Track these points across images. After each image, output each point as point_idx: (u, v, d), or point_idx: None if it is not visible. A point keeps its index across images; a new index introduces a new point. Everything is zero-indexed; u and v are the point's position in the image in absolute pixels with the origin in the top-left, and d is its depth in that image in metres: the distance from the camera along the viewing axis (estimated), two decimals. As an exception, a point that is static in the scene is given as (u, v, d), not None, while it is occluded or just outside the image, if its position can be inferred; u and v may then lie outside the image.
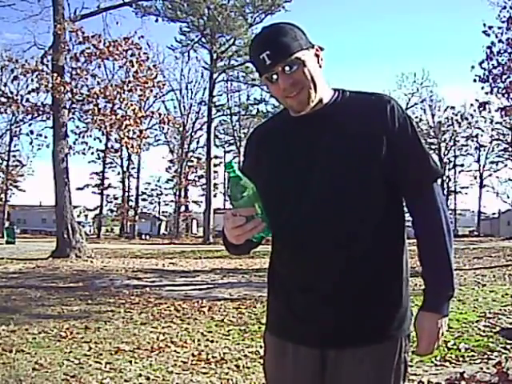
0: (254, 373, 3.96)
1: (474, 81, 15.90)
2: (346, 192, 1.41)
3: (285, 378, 1.50)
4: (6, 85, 21.55)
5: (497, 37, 15.43)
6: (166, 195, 57.76)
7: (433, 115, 51.31)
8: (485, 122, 44.26)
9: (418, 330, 1.44)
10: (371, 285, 1.42)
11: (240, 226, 1.30)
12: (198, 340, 5.10)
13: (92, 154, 19.88)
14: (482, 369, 3.94)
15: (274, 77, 1.39)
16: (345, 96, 1.49)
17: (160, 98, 36.64)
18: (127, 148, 18.77)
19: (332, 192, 1.41)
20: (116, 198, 52.64)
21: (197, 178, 54.12)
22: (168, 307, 7.06)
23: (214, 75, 37.17)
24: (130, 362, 4.23)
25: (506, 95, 15.64)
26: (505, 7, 15.49)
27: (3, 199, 47.06)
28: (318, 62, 1.45)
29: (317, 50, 1.45)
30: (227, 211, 1.34)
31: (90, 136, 17.58)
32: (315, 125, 1.45)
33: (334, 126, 1.44)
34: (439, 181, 1.52)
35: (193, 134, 48.99)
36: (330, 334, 1.42)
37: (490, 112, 17.52)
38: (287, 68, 1.37)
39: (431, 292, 1.44)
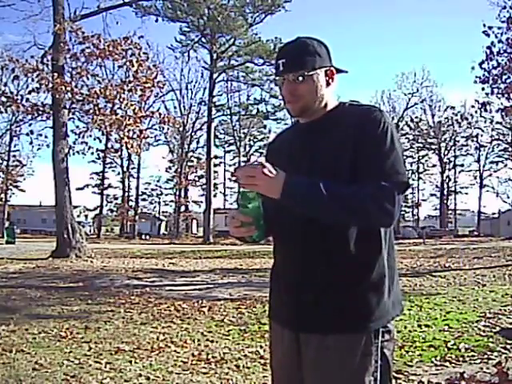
0: (253, 373, 3.96)
1: (475, 82, 15.89)
2: None
3: (277, 354, 1.72)
4: (6, 84, 21.61)
5: (497, 37, 15.42)
6: (166, 195, 57.89)
7: (433, 115, 51.30)
8: (485, 122, 44.30)
9: None
10: (343, 278, 1.52)
11: (236, 227, 1.54)
12: (198, 340, 5.09)
13: (92, 154, 19.90)
14: (482, 369, 3.94)
15: (282, 82, 1.61)
16: (343, 107, 1.65)
17: (160, 97, 36.70)
18: (127, 148, 18.75)
19: None
20: (116, 198, 52.67)
21: (197, 178, 54.14)
22: (168, 307, 7.07)
23: (214, 75, 37.18)
24: (130, 361, 4.23)
25: (506, 95, 15.62)
26: (505, 7, 15.50)
27: (3, 199, 47.03)
28: (328, 82, 1.62)
29: (331, 72, 1.63)
30: (233, 210, 1.58)
31: (90, 136, 17.59)
32: (313, 131, 1.64)
33: (325, 133, 1.61)
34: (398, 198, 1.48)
35: (193, 134, 48.98)
36: (302, 319, 1.57)
37: (490, 112, 17.50)
38: (292, 77, 1.57)
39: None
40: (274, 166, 1.48)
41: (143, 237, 47.45)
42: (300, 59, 1.57)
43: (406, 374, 3.83)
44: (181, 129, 45.62)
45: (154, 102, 35.78)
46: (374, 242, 1.55)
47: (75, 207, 23.44)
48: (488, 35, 15.46)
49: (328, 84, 1.62)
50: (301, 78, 1.56)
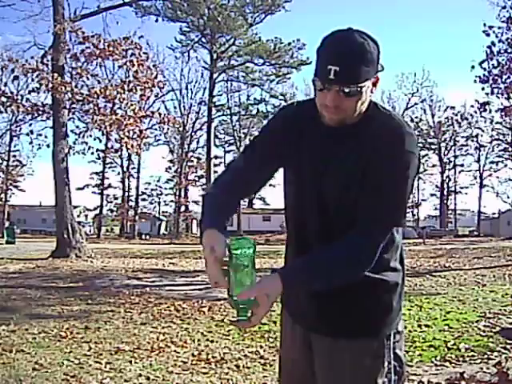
0: (254, 373, 3.96)
1: (475, 81, 15.90)
2: (333, 204, 1.48)
3: (286, 346, 1.69)
4: (6, 84, 21.62)
5: (497, 37, 15.44)
6: (166, 195, 57.88)
7: (433, 115, 51.34)
8: (485, 122, 44.33)
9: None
10: (357, 283, 1.45)
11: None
12: (198, 340, 5.09)
13: (92, 154, 19.83)
14: (482, 369, 3.95)
15: (327, 88, 1.36)
16: (373, 110, 1.47)
17: (160, 97, 36.67)
18: (127, 148, 18.73)
19: (322, 202, 1.49)
20: (116, 198, 52.68)
21: (197, 178, 54.16)
22: (168, 307, 7.06)
23: (214, 75, 37.23)
24: (130, 361, 4.23)
25: (506, 95, 15.63)
26: (505, 7, 15.53)
27: (3, 199, 47.07)
28: (372, 90, 1.43)
29: (376, 80, 1.41)
30: (211, 256, 1.41)
31: (90, 136, 17.55)
32: (339, 139, 1.47)
33: (347, 140, 1.46)
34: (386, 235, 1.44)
35: (193, 134, 49.04)
36: (312, 320, 1.55)
37: (490, 112, 17.52)
38: (342, 90, 1.35)
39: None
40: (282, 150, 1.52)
41: (143, 237, 47.47)
42: (357, 70, 1.34)
43: (405, 374, 3.83)
44: (181, 129, 45.65)
45: (154, 102, 35.82)
46: (391, 248, 1.51)
47: (75, 207, 23.43)
48: (488, 35, 15.48)
49: (371, 92, 1.43)
50: (350, 94, 1.35)
